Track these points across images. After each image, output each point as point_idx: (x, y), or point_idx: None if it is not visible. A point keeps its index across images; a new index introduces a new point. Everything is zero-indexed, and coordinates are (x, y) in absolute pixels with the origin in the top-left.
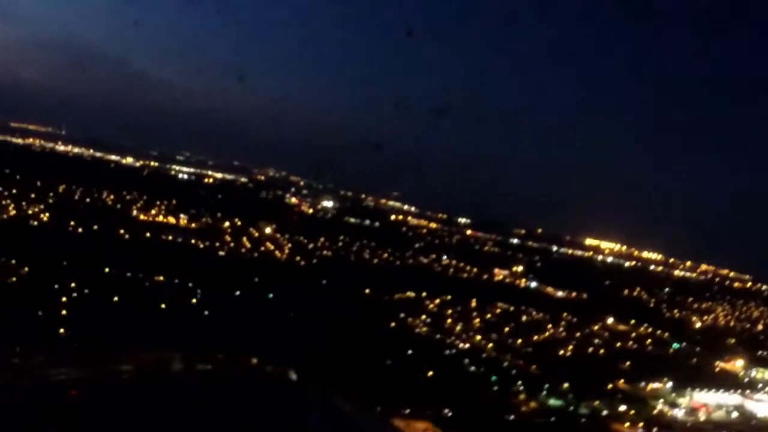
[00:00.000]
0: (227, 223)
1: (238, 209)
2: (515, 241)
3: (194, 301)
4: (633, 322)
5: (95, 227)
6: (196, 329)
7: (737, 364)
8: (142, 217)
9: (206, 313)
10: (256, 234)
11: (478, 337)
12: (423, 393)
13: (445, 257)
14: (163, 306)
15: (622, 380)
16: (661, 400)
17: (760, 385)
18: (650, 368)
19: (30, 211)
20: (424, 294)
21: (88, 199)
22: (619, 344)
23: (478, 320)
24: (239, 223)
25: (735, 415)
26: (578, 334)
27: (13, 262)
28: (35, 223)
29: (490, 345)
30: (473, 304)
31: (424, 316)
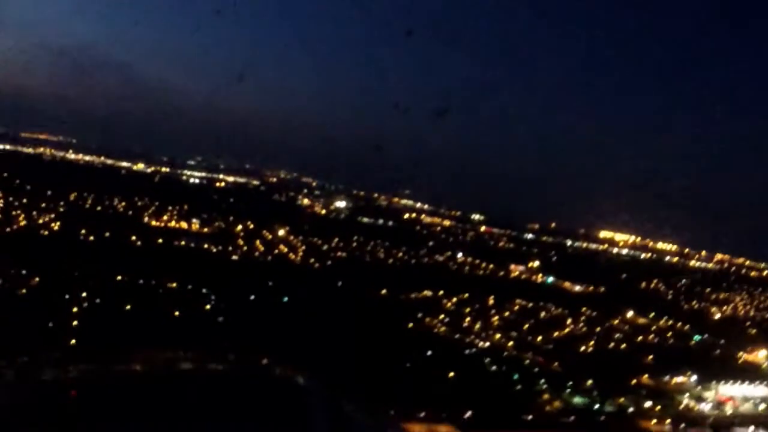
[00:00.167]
0: (240, 227)
1: (251, 212)
2: (529, 236)
3: (208, 307)
4: (652, 314)
5: (107, 235)
6: (211, 336)
7: (760, 355)
8: (153, 223)
9: (221, 319)
10: (270, 237)
11: (498, 336)
12: (445, 395)
13: (460, 254)
14: (176, 313)
15: (645, 375)
16: (687, 395)
17: None
18: (673, 362)
19: (40, 221)
20: (441, 293)
21: (99, 207)
22: (640, 338)
23: (496, 318)
24: (252, 226)
25: (762, 407)
26: (598, 329)
27: (24, 272)
28: (45, 232)
29: (511, 343)
30: (491, 301)
31: (442, 316)
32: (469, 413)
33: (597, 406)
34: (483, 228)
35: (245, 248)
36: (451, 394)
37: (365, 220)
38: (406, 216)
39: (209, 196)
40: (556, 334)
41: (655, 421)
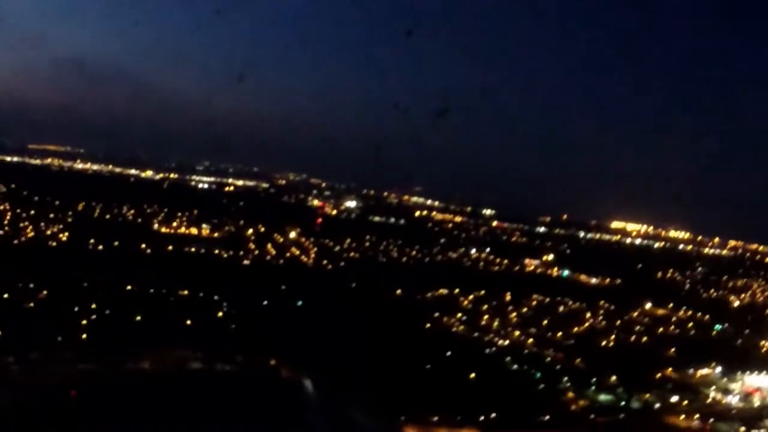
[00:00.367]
0: (250, 231)
1: (261, 215)
2: (542, 229)
3: (220, 314)
4: (671, 305)
5: (116, 244)
6: (223, 344)
7: None
8: (163, 229)
9: (233, 326)
10: (281, 239)
11: (517, 333)
12: (467, 397)
13: (473, 250)
14: (188, 322)
15: (669, 368)
16: (713, 387)
17: None
18: (696, 353)
19: (48, 232)
20: (456, 290)
21: (107, 216)
22: (660, 330)
23: (514, 315)
24: (263, 229)
25: None
26: (618, 322)
27: (32, 286)
28: (54, 243)
29: (530, 340)
30: (508, 297)
31: (459, 314)
32: (493, 415)
33: (623, 403)
34: (495, 223)
35: (256, 252)
36: (473, 395)
37: (376, 219)
38: (417, 213)
39: (218, 201)
40: (575, 329)
41: (683, 416)
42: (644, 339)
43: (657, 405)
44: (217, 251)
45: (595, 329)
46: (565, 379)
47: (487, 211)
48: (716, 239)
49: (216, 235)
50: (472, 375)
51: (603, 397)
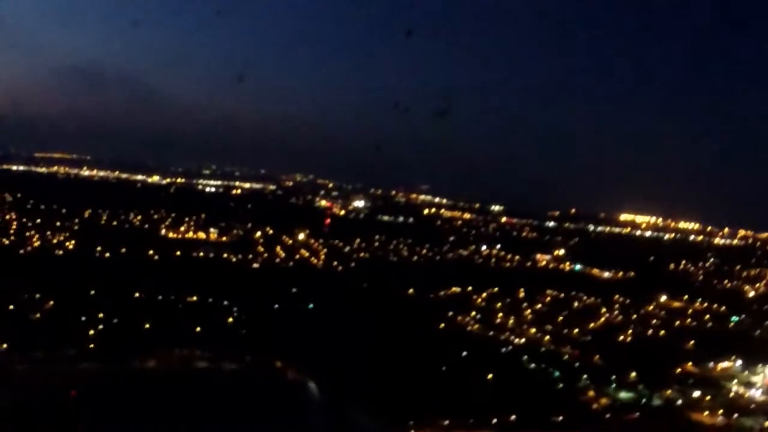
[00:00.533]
0: (259, 233)
1: (269, 218)
2: (551, 224)
3: (230, 320)
4: (686, 297)
5: (123, 250)
6: (234, 350)
7: None
8: (171, 235)
9: (244, 332)
10: (290, 242)
11: (533, 330)
12: (488, 399)
13: (484, 247)
14: (198, 329)
15: (689, 363)
16: (735, 381)
17: None
18: (715, 346)
19: (54, 241)
20: (469, 288)
21: (114, 222)
22: (677, 323)
23: (529, 311)
24: (271, 232)
25: None
26: (634, 317)
27: (38, 296)
28: (60, 252)
29: (547, 337)
30: (521, 294)
31: (473, 313)
32: (513, 417)
33: (644, 400)
34: (504, 219)
35: (265, 255)
36: (492, 397)
37: (385, 218)
38: (426, 211)
39: (226, 204)
40: (591, 324)
41: (707, 413)
42: (661, 333)
43: (679, 401)
44: (225, 255)
45: (611, 324)
46: (584, 377)
47: (496, 207)
48: (726, 229)
49: (224, 238)
50: (490, 375)
51: (624, 395)
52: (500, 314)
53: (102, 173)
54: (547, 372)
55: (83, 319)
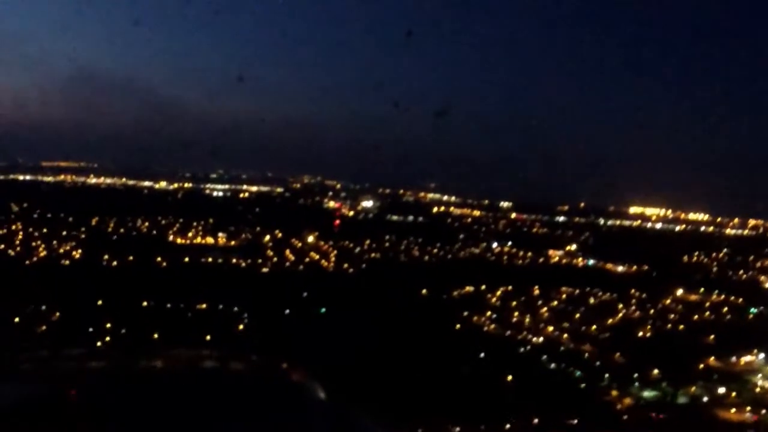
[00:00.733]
0: (268, 237)
1: (278, 220)
2: (561, 218)
3: (241, 327)
4: (702, 290)
5: (130, 258)
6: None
7: None
8: (179, 240)
9: (255, 339)
10: (299, 244)
11: (550, 328)
12: (511, 401)
13: (495, 244)
14: (208, 337)
15: (711, 357)
16: (760, 375)
17: None
18: (735, 339)
19: (61, 250)
20: (483, 287)
21: (122, 230)
22: (696, 317)
23: (545, 309)
24: (280, 235)
25: None
26: (652, 311)
27: (43, 308)
28: (66, 262)
29: (565, 336)
30: (536, 291)
31: (489, 312)
32: (535, 420)
33: (669, 398)
34: (513, 215)
35: (275, 259)
36: (516, 400)
37: (394, 217)
38: (435, 210)
39: (234, 208)
40: (609, 321)
41: (734, 410)
42: (681, 327)
43: (705, 398)
44: (234, 260)
45: (629, 320)
46: (606, 375)
47: (505, 204)
48: (736, 219)
49: (233, 243)
50: (510, 377)
51: (648, 394)
52: (516, 313)
53: (109, 180)
54: (567, 372)
55: (90, 330)
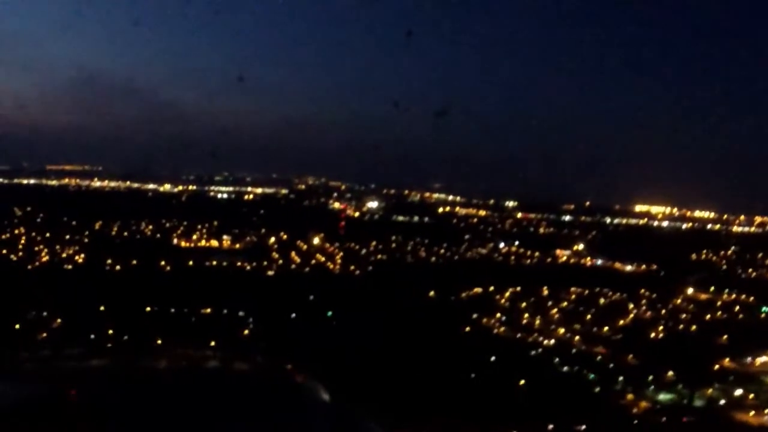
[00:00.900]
0: (273, 239)
1: (283, 222)
2: (567, 218)
3: (246, 332)
4: (713, 289)
5: (134, 262)
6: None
7: None
8: (183, 244)
9: (261, 344)
10: (305, 246)
11: (562, 330)
12: (525, 406)
13: (502, 244)
14: (212, 343)
15: (726, 358)
16: None
17: None
18: (749, 339)
19: (64, 255)
20: (491, 288)
21: (126, 233)
22: (708, 316)
23: (555, 310)
24: (285, 236)
25: None
26: (663, 311)
27: (45, 314)
28: (69, 266)
29: (577, 337)
30: (545, 292)
31: (498, 314)
32: (550, 426)
33: (685, 401)
34: (519, 214)
35: (280, 261)
36: (530, 405)
37: (400, 218)
38: (441, 210)
39: (239, 210)
40: (621, 321)
41: (753, 413)
42: (693, 327)
43: (722, 401)
44: (239, 263)
45: (640, 320)
46: (621, 378)
47: (510, 203)
48: (742, 216)
49: (237, 245)
50: (522, 381)
51: (663, 397)
52: (526, 314)
53: (113, 183)
54: (581, 374)
55: (92, 336)
